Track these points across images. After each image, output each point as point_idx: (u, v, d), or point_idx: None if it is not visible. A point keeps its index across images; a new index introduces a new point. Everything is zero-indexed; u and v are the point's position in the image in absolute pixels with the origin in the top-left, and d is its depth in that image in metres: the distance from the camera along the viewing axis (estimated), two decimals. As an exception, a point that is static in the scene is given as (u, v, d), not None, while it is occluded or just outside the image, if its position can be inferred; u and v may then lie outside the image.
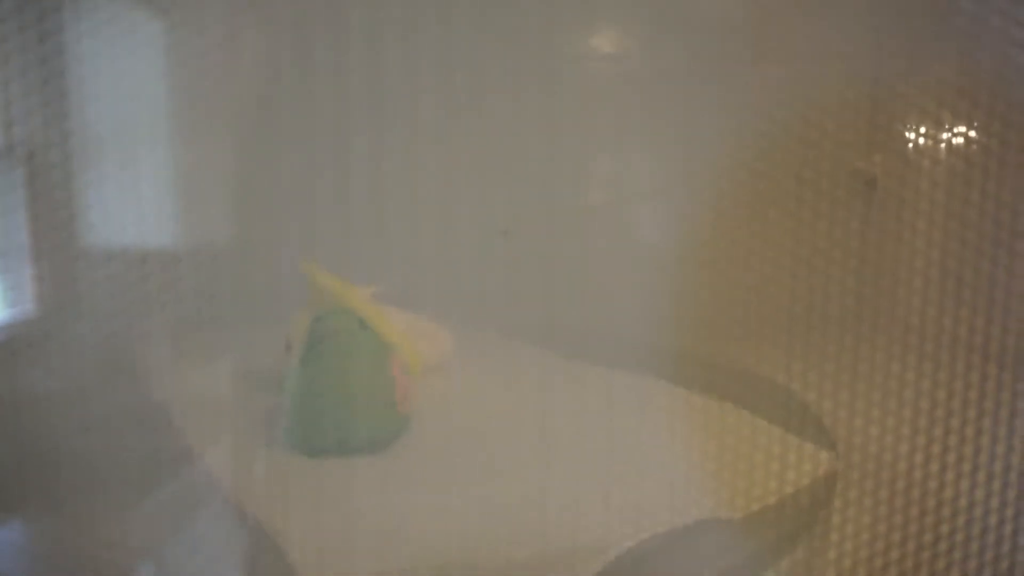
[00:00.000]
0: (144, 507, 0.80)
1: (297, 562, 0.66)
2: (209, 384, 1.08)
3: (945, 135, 1.22)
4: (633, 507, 0.73)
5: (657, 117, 1.32)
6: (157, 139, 1.32)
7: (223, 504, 0.77)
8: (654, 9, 1.33)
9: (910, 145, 1.28)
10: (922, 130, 1.27)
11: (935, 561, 0.71)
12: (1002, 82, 1.01)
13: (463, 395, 1.06)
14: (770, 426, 0.93)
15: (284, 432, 0.94)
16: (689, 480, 0.79)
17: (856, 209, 1.30)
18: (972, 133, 1.15)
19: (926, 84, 1.24)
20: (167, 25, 1.31)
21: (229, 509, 0.76)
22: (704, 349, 1.18)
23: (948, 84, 1.21)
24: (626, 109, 1.34)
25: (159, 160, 1.32)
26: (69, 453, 0.88)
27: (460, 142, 1.42)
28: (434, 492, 0.80)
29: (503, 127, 1.40)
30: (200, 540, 0.76)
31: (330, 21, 1.40)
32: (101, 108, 1.28)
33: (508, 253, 1.34)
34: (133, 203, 1.31)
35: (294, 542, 0.68)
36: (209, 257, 1.30)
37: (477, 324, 1.26)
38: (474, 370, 1.15)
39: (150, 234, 1.30)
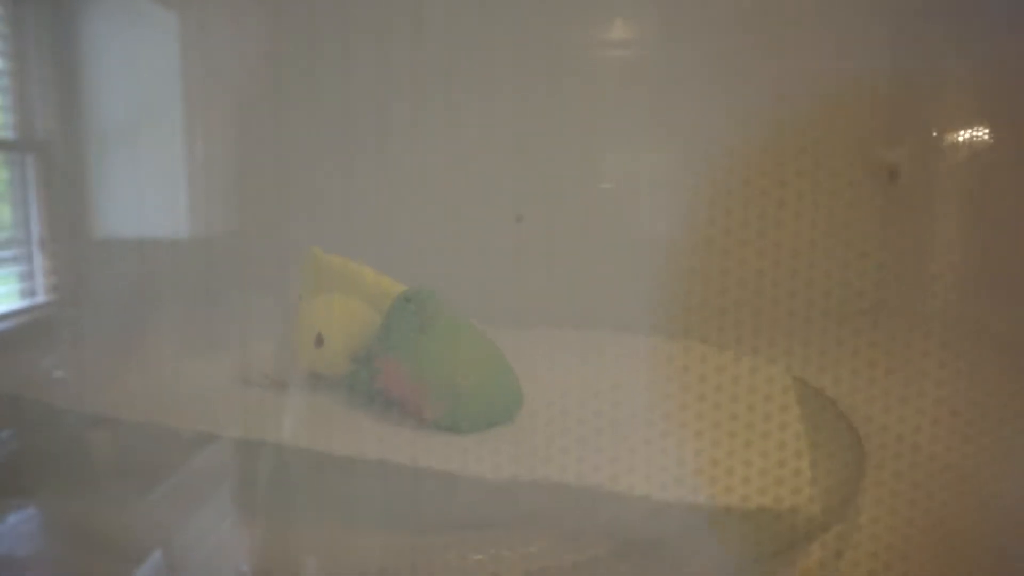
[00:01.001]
0: (156, 495, 0.80)
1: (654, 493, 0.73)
2: (219, 373, 1.07)
3: (967, 125, 1.20)
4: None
5: (673, 106, 1.30)
6: (168, 131, 1.31)
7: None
8: (670, -2, 1.32)
9: (932, 135, 1.26)
10: (944, 121, 1.25)
11: (965, 552, 0.69)
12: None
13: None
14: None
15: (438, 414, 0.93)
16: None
17: (877, 201, 1.28)
18: (995, 123, 1.13)
19: (948, 74, 1.22)
20: (179, 18, 1.31)
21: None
22: (718, 340, 1.17)
23: (970, 74, 1.19)
24: (641, 98, 1.33)
25: (169, 151, 1.31)
26: (83, 440, 0.88)
27: (471, 129, 1.41)
28: (594, 450, 0.84)
29: (516, 113, 1.39)
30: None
31: (338, 11, 1.40)
32: (113, 101, 1.28)
33: (520, 239, 1.33)
34: (144, 194, 1.31)
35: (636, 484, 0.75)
36: (219, 247, 1.29)
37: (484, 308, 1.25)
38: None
39: (160, 224, 1.30)
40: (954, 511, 0.70)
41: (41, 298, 1.21)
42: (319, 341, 1.01)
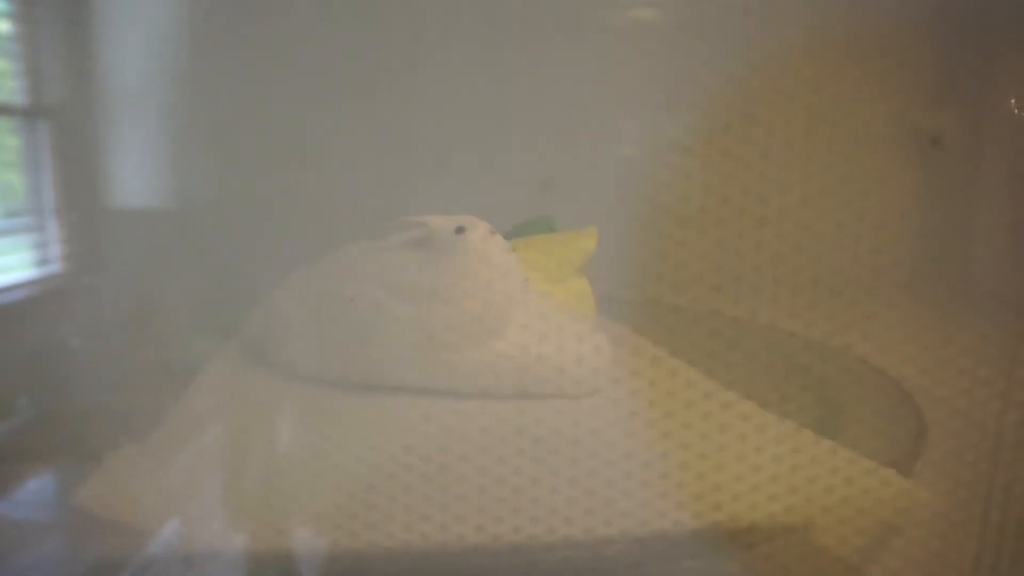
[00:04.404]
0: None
1: None
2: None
3: (1013, 90, 1.16)
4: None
5: (698, 70, 1.26)
6: (183, 96, 1.28)
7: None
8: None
9: (977, 101, 1.22)
10: (989, 85, 1.20)
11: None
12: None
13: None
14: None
15: None
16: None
17: (919, 168, 1.24)
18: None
19: (998, 33, 1.17)
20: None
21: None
22: (749, 314, 1.13)
23: (1016, 34, 1.14)
24: (670, 62, 1.28)
25: (184, 117, 1.29)
26: (98, 407, 0.86)
27: (495, 92, 1.38)
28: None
29: (540, 75, 1.36)
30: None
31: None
32: (128, 65, 1.25)
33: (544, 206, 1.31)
34: (159, 160, 1.28)
35: None
36: (236, 213, 1.27)
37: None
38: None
39: (175, 191, 1.27)
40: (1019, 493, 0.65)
41: (56, 267, 1.19)
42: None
